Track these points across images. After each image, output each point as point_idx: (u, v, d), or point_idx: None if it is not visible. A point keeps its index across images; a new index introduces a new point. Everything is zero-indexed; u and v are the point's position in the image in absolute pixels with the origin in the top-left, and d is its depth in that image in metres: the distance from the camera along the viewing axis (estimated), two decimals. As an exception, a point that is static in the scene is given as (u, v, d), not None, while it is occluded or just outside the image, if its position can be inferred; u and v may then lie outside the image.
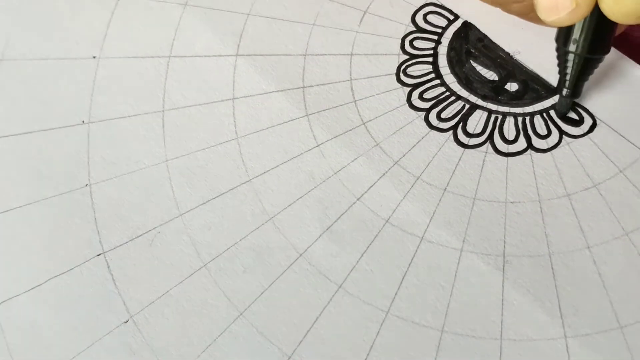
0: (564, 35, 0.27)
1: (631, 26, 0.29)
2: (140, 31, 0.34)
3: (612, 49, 0.30)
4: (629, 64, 0.31)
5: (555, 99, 0.31)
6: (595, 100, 0.30)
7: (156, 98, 0.33)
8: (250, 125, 0.32)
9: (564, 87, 0.29)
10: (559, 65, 0.28)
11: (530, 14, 0.28)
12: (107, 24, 0.35)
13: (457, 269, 0.28)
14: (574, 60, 0.28)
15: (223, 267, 0.29)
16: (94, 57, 0.34)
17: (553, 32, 0.29)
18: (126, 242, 0.30)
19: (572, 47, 0.27)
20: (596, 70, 0.29)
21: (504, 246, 0.28)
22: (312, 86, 0.32)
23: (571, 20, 0.24)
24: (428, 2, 0.33)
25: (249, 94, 0.32)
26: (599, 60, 0.28)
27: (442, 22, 0.33)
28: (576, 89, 0.29)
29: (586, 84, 0.29)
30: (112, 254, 0.30)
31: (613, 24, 0.26)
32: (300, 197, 0.30)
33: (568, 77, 0.28)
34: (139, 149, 0.32)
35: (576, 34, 0.27)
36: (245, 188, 0.31)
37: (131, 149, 0.32)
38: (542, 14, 0.24)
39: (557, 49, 0.28)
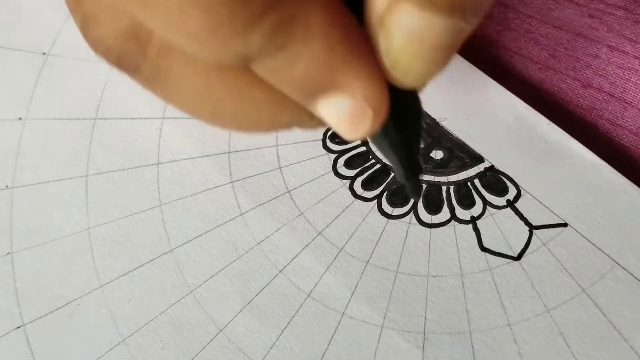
0: None
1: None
2: (67, 92, 0.34)
3: (539, 116, 0.29)
4: (554, 131, 0.30)
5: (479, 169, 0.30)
6: (520, 170, 0.30)
7: (81, 162, 0.32)
8: (175, 192, 0.31)
9: (400, 174, 0.25)
10: (383, 155, 0.25)
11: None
12: (34, 84, 0.34)
13: (377, 346, 0.28)
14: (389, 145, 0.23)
15: (142, 343, 0.29)
16: (20, 118, 0.33)
17: (482, 99, 0.28)
18: (46, 315, 0.29)
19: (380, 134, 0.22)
20: (523, 138, 0.28)
21: (425, 323, 0.28)
22: (237, 151, 0.32)
23: (377, 125, 0.19)
24: (356, 64, 0.33)
25: (174, 159, 0.32)
26: (416, 133, 0.23)
27: (370, 86, 0.32)
28: (413, 168, 0.24)
29: (512, 153, 0.29)
30: (31, 327, 0.29)
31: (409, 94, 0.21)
32: (222, 269, 0.30)
33: (394, 164, 0.25)
34: (62, 216, 0.31)
35: None
36: (167, 259, 0.30)
37: (54, 215, 0.31)
38: (347, 136, 0.19)
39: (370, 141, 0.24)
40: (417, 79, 0.18)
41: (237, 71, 0.18)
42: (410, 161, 0.24)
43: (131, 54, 0.19)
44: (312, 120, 0.20)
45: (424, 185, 0.30)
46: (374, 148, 0.27)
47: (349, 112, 0.18)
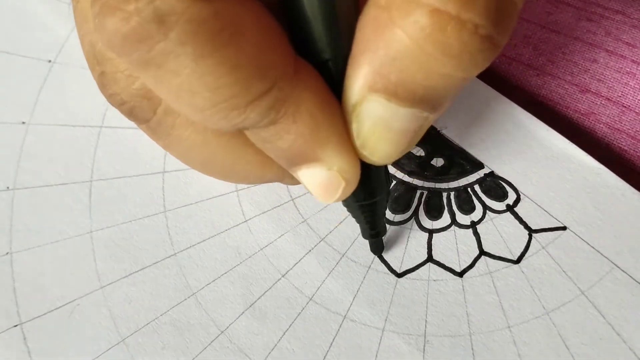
0: None
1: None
2: (73, 99, 0.34)
3: (538, 121, 0.30)
4: (553, 136, 0.31)
5: (479, 173, 0.31)
6: (519, 175, 0.31)
7: (85, 168, 0.33)
8: (179, 200, 0.32)
9: (365, 233, 0.28)
10: (352, 215, 0.27)
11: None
12: (38, 90, 0.34)
13: (378, 349, 0.28)
14: (357, 208, 0.26)
15: (142, 343, 0.29)
16: (23, 122, 0.33)
17: (481, 107, 0.29)
18: (44, 314, 0.30)
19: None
20: (522, 143, 0.29)
21: (426, 326, 0.28)
22: (242, 159, 0.32)
23: (347, 193, 0.21)
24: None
25: (180, 168, 0.32)
26: (382, 200, 0.25)
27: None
28: (376, 229, 0.27)
29: (512, 159, 0.30)
30: (29, 326, 0.29)
31: (377, 167, 0.24)
32: (225, 273, 0.30)
33: (361, 224, 0.27)
34: (64, 219, 0.31)
35: None
36: (170, 262, 0.30)
37: (56, 218, 0.31)
38: (320, 200, 0.22)
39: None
40: (383, 157, 0.21)
41: (232, 133, 0.21)
42: (375, 223, 0.27)
43: (142, 109, 0.21)
44: (292, 179, 0.23)
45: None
46: (343, 208, 0.29)
47: (324, 181, 0.21)
